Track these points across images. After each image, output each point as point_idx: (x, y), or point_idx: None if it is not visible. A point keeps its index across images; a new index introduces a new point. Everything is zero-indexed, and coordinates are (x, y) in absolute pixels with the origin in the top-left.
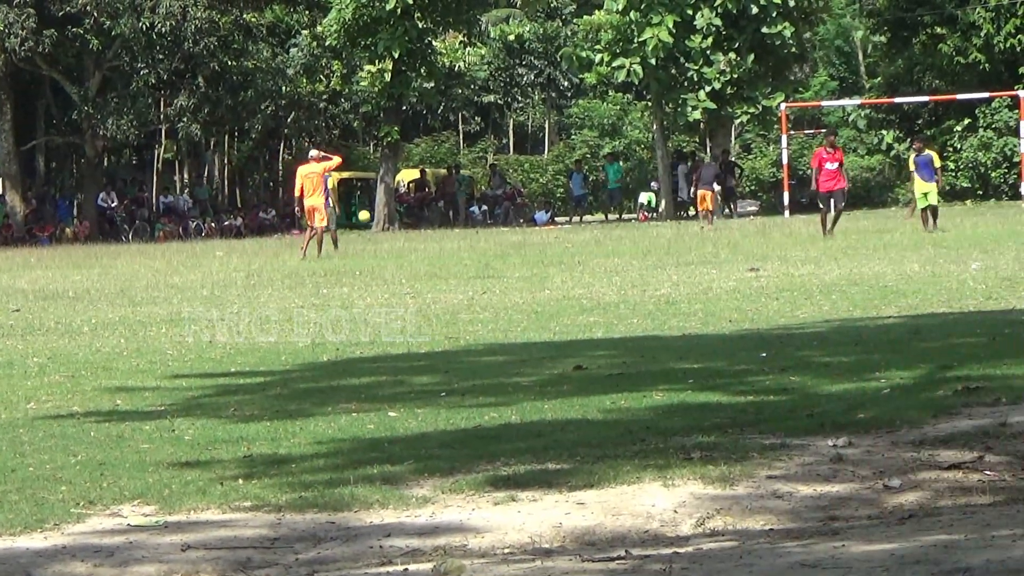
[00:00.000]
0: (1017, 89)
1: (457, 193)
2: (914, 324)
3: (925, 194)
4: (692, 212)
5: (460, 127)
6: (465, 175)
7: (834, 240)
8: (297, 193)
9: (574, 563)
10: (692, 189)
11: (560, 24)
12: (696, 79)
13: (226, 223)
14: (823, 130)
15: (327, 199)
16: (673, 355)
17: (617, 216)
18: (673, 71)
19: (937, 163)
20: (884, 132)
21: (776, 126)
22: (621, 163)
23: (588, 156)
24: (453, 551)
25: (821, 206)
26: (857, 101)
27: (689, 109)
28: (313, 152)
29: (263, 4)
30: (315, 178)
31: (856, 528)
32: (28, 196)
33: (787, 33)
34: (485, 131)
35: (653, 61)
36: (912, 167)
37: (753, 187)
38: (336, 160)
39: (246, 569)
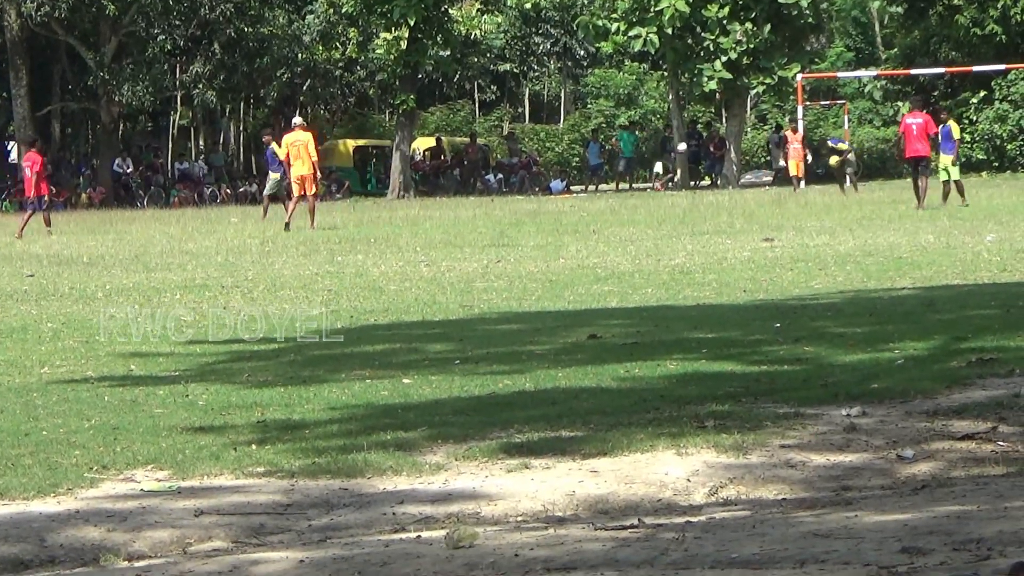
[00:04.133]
0: None
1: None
2: (928, 295)
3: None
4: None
5: (476, 96)
6: (480, 143)
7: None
8: (282, 157)
9: (587, 531)
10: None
11: None
12: (712, 49)
13: (241, 190)
14: (839, 101)
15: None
16: (687, 324)
17: (628, 186)
18: (689, 41)
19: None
20: (900, 103)
21: (792, 97)
22: (638, 132)
23: (604, 125)
24: (466, 518)
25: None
26: (873, 72)
27: (705, 79)
28: (297, 119)
29: None
30: (301, 146)
31: (869, 498)
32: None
33: (804, 3)
34: (501, 100)
35: (669, 31)
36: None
37: (768, 157)
38: (309, 137)
39: (259, 535)
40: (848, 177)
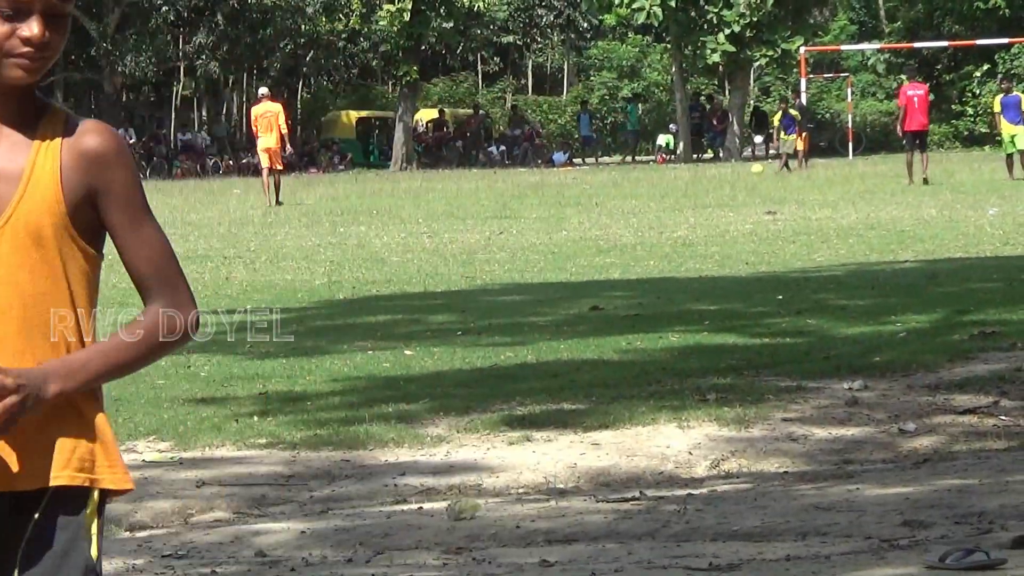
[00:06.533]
0: None
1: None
2: (931, 269)
3: (1012, 137)
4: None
5: (479, 67)
6: (482, 114)
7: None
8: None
9: (588, 503)
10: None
11: None
12: (716, 22)
13: (244, 161)
14: (843, 74)
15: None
16: (689, 297)
17: (631, 159)
18: (693, 13)
19: None
20: (903, 77)
21: (795, 70)
22: (641, 104)
23: (607, 98)
24: (468, 490)
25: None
26: (876, 45)
27: (708, 52)
28: (263, 90)
29: None
30: (272, 118)
31: (871, 471)
32: None
33: None
34: (504, 72)
35: (673, 3)
36: (997, 108)
37: (770, 130)
38: (279, 108)
39: (260, 506)
40: (786, 156)
